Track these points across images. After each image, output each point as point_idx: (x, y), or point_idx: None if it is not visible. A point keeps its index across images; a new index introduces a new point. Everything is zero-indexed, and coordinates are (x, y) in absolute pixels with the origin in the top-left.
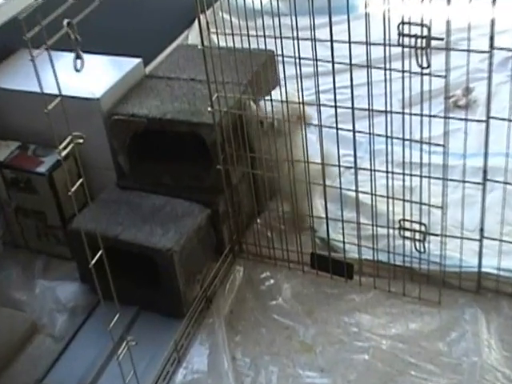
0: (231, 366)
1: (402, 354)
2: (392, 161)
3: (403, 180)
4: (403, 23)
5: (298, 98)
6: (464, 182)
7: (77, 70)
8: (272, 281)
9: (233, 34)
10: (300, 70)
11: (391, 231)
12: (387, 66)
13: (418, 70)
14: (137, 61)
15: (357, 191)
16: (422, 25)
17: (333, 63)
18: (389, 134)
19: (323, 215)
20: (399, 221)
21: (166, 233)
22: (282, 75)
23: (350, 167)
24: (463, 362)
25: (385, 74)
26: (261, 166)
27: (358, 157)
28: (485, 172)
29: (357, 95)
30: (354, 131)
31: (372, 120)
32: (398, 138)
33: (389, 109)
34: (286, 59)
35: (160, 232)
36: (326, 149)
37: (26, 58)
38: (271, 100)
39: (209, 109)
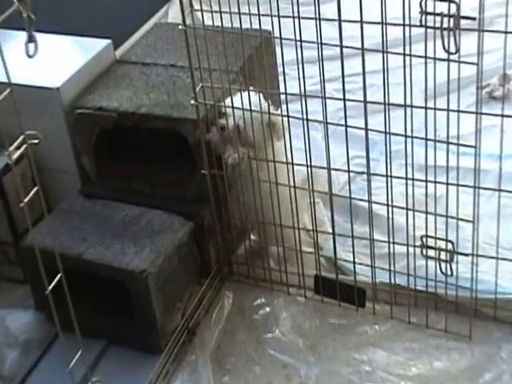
0: None
1: None
2: (412, 164)
3: (426, 188)
4: None
5: (268, 106)
6: (500, 190)
7: (29, 56)
8: (268, 309)
9: (221, 12)
10: (302, 54)
11: (411, 249)
12: (407, 51)
13: (445, 55)
14: (105, 42)
15: (370, 201)
16: (449, 0)
17: (341, 47)
18: (408, 133)
19: (329, 230)
20: (421, 237)
21: (140, 251)
22: (280, 61)
23: (362, 172)
24: None
25: (404, 60)
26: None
27: (371, 159)
28: None
29: (370, 85)
30: (366, 129)
31: (388, 115)
32: (419, 138)
33: (409, 102)
34: (284, 41)
35: (133, 250)
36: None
37: None
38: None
39: (192, 101)
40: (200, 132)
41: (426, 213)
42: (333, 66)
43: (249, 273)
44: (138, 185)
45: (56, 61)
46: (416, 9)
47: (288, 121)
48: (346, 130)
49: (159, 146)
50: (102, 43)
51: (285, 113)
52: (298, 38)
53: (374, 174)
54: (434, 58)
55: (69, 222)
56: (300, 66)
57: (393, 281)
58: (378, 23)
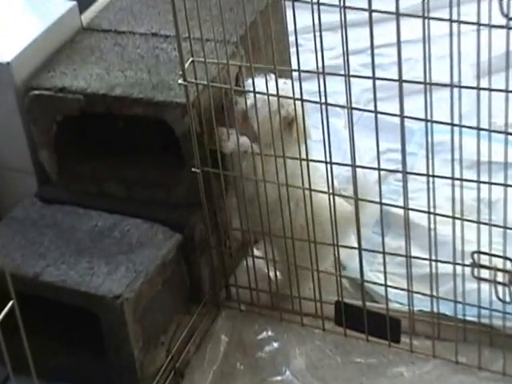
0: None
1: None
2: (461, 160)
3: (478, 190)
4: None
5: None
6: None
7: None
8: (276, 344)
9: None
10: (319, 19)
11: (460, 269)
12: (454, 16)
13: (503, 20)
14: (68, 5)
15: (406, 207)
16: None
17: (370, 11)
18: (456, 120)
19: (354, 243)
20: (472, 254)
21: (114, 271)
22: (292, 28)
23: (396, 171)
24: None
25: (450, 27)
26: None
27: (407, 154)
28: None
29: (406, 59)
30: (401, 115)
31: (430, 97)
32: (469, 127)
33: (456, 80)
34: (297, 4)
35: (104, 270)
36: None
37: None
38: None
39: (180, 81)
40: (190, 120)
41: (479, 222)
42: (359, 34)
43: (251, 298)
44: (110, 187)
45: (6, 29)
46: None
47: (302, 105)
48: (376, 117)
49: (138, 137)
50: (65, 6)
51: (297, 95)
52: None
53: (410, 173)
54: (489, 25)
55: (23, 233)
56: (317, 34)
57: (435, 309)
58: None
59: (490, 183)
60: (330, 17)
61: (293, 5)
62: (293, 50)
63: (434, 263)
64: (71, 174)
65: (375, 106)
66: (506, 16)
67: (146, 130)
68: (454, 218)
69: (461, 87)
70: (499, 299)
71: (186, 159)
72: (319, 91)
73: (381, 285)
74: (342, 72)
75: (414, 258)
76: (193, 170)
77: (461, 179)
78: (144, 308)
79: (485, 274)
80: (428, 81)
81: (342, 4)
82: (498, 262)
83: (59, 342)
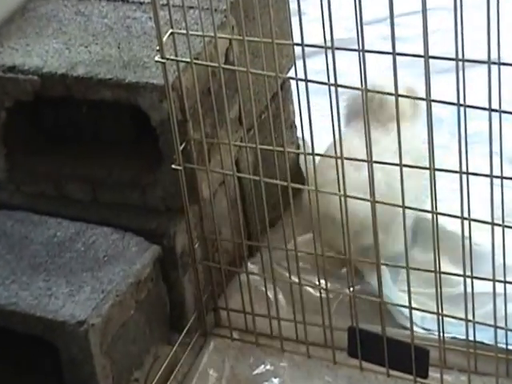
0: None
1: None
2: (501, 154)
3: None
4: None
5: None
6: None
7: None
8: (276, 381)
9: None
10: None
11: (501, 288)
12: None
13: None
14: None
15: (435, 212)
16: None
17: None
18: (494, 105)
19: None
20: None
21: (77, 292)
22: None
23: (422, 167)
24: None
25: None
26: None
27: (436, 146)
28: None
29: (433, 30)
30: (428, 99)
31: (463, 77)
32: (511, 113)
33: (495, 57)
34: None
35: (64, 290)
36: None
37: None
38: None
39: (156, 57)
40: (169, 106)
41: None
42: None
43: (246, 325)
44: (72, 188)
45: None
46: None
47: (306, 87)
48: (397, 101)
49: (105, 127)
50: None
51: (300, 75)
52: None
53: (440, 170)
54: None
55: None
56: (325, 0)
57: (472, 336)
58: None
59: None
60: None
61: None
62: (295, 19)
63: (469, 280)
64: (23, 171)
65: (396, 89)
66: None
67: (115, 117)
68: (493, 224)
69: (501, 64)
70: None
71: (165, 154)
72: (327, 70)
73: (405, 307)
74: (355, 46)
75: (445, 273)
76: (173, 166)
77: (501, 177)
78: (114, 337)
79: None
80: (460, 57)
81: None
82: None
83: (10, 379)
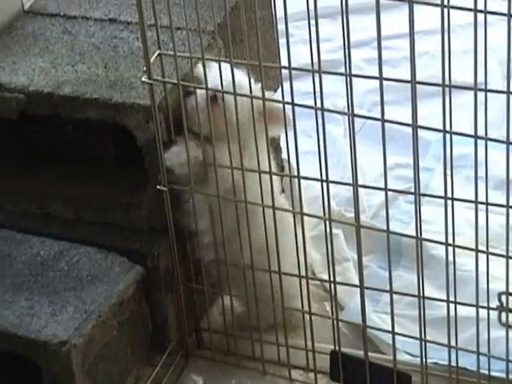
0: None
1: None
2: (486, 179)
3: (507, 216)
4: None
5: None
6: None
7: None
8: None
9: None
10: (315, 4)
11: (484, 313)
12: (479, 3)
13: None
14: None
15: (419, 237)
16: None
17: None
18: (480, 130)
19: (355, 279)
20: (499, 294)
21: (59, 311)
22: (281, 14)
23: (407, 192)
24: None
25: (475, 17)
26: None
27: (421, 169)
28: None
29: (421, 53)
30: (414, 125)
31: (450, 102)
32: (496, 140)
33: (481, 82)
34: None
35: (47, 310)
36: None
37: None
38: None
39: (143, 78)
40: (155, 126)
41: (508, 257)
42: (362, 22)
43: (228, 346)
44: (56, 207)
45: None
46: None
47: (293, 110)
48: (383, 125)
49: (90, 146)
50: None
51: (287, 97)
52: None
53: (425, 195)
54: None
55: None
56: (312, 23)
57: (454, 362)
58: None
59: None
60: (328, 0)
61: None
62: (282, 41)
63: (452, 305)
64: (7, 189)
65: (382, 113)
66: None
67: (100, 137)
68: (477, 250)
69: (487, 91)
70: None
71: (150, 174)
72: (314, 93)
73: (387, 331)
74: (342, 69)
75: (429, 298)
76: (158, 187)
77: (486, 203)
78: (96, 357)
79: None
80: (447, 82)
81: None
82: None
83: None
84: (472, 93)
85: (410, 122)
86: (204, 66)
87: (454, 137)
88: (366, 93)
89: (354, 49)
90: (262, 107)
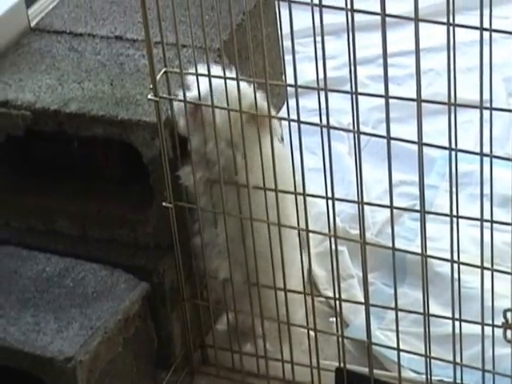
0: None
1: None
2: (491, 196)
3: None
4: None
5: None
6: None
7: None
8: None
9: None
10: (321, 21)
11: (489, 330)
12: (485, 22)
13: None
14: (14, 0)
15: (424, 254)
16: None
17: (383, 15)
18: (486, 147)
19: (359, 296)
20: (504, 312)
21: (65, 328)
22: (287, 31)
23: (412, 210)
24: None
25: (481, 35)
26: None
27: (426, 187)
28: None
29: (426, 70)
30: (420, 142)
31: (455, 120)
32: (501, 158)
33: (486, 99)
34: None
35: (53, 326)
36: None
37: None
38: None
39: (149, 95)
40: (161, 143)
41: None
42: (368, 40)
43: (233, 363)
44: (62, 223)
45: None
46: None
47: (299, 127)
48: (389, 143)
49: (96, 163)
50: (8, 1)
51: (292, 114)
52: None
53: (430, 213)
54: None
55: None
56: (318, 40)
57: (459, 379)
58: None
59: None
60: (333, 18)
61: (289, 4)
62: (288, 58)
63: (457, 322)
64: (13, 206)
65: (388, 130)
66: None
67: (106, 154)
68: (482, 267)
69: (492, 109)
70: None
71: (156, 191)
72: (319, 110)
73: (392, 348)
74: (346, 86)
75: (434, 316)
76: (164, 204)
77: (491, 221)
78: (101, 373)
79: None
80: (452, 100)
81: (348, 5)
82: None
83: None
84: (476, 110)
85: (414, 139)
86: (197, 78)
87: (458, 154)
88: (370, 110)
89: (359, 66)
90: (250, 105)
